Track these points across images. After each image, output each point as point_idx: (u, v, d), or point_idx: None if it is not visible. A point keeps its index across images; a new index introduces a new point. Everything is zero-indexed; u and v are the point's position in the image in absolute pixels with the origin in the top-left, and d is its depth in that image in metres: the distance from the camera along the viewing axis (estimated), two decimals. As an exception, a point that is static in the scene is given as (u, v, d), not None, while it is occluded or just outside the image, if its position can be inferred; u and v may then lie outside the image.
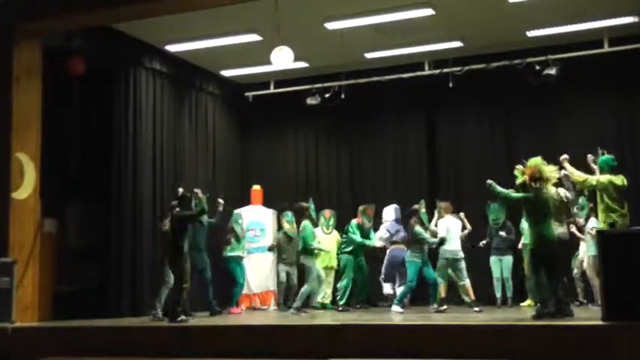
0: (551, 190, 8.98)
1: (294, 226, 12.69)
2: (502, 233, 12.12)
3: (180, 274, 9.95)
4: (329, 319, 10.01)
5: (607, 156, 9.02)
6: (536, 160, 8.85)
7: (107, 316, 11.17)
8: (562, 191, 9.50)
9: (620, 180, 8.73)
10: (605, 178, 8.73)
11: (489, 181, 9.08)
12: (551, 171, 8.80)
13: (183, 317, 9.64)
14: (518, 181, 8.93)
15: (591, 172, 9.35)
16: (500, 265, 12.15)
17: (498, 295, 12.10)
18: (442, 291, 11.50)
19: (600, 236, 7.46)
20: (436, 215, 11.62)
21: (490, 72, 13.07)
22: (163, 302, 10.70)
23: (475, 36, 12.73)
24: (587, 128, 13.07)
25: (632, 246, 7.08)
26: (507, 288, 12.10)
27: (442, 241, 11.13)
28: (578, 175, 9.04)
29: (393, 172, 14.64)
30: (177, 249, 9.98)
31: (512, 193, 9.00)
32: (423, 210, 11.69)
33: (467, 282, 11.26)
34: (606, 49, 12.54)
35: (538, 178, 8.68)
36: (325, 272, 13.23)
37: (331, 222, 13.40)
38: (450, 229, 11.30)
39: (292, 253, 12.47)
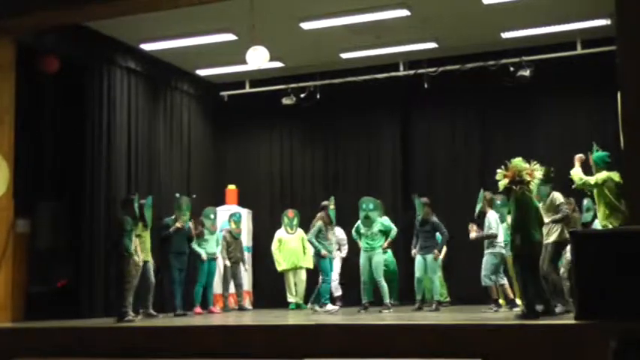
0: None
1: (240, 227, 13.23)
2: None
3: (118, 274, 10.24)
4: (303, 319, 10.02)
5: (602, 152, 8.82)
6: (517, 162, 8.77)
7: (80, 316, 11.10)
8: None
9: (617, 176, 8.48)
10: (603, 174, 8.54)
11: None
12: (532, 172, 8.79)
13: (130, 317, 9.90)
14: (501, 184, 8.86)
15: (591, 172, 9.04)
16: (425, 265, 11.33)
17: (419, 297, 11.40)
18: (509, 292, 11.01)
19: (573, 237, 7.50)
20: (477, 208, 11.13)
21: (464, 73, 13.17)
22: (132, 301, 10.66)
23: (450, 37, 12.79)
24: (560, 129, 13.20)
25: (604, 246, 7.14)
26: (434, 289, 11.40)
27: (492, 237, 10.81)
28: (578, 178, 8.76)
29: (367, 171, 14.66)
30: (115, 250, 10.29)
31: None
32: (332, 207, 11.71)
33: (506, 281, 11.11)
34: (579, 51, 12.69)
35: (520, 180, 8.64)
36: (294, 272, 13.29)
37: (295, 222, 13.55)
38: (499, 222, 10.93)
39: (237, 250, 13.01)
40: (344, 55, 13.54)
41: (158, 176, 13.48)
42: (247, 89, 14.83)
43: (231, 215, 13.31)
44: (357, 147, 14.81)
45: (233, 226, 13.14)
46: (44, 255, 11.94)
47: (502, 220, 12.17)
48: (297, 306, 13.19)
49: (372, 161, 14.68)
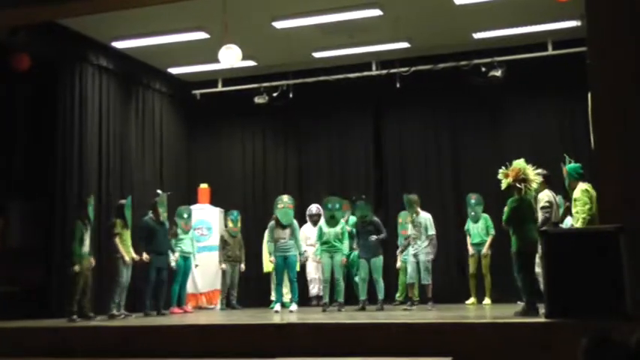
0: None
1: (238, 225, 13.15)
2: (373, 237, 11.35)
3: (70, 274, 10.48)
4: (276, 318, 10.02)
5: (575, 164, 8.91)
6: (519, 163, 8.99)
7: (50, 316, 11.00)
8: None
9: (590, 187, 8.52)
10: (583, 190, 8.51)
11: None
12: (534, 173, 8.96)
13: (74, 317, 10.10)
14: (504, 184, 9.02)
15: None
16: (368, 266, 11.31)
17: (363, 297, 11.35)
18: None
19: (544, 235, 7.58)
20: None
21: (436, 73, 13.25)
22: (117, 301, 10.84)
23: (422, 37, 12.84)
24: (531, 129, 13.32)
25: (574, 245, 7.23)
26: (378, 289, 11.34)
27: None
28: (588, 208, 8.53)
29: (340, 171, 14.67)
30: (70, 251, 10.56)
31: (505, 214, 9.01)
32: (280, 206, 11.59)
33: None
34: (550, 51, 12.81)
35: (522, 179, 8.84)
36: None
37: None
38: None
39: (235, 249, 12.99)
40: (316, 55, 13.54)
41: (130, 175, 13.38)
42: (220, 88, 14.77)
43: (228, 214, 13.28)
44: (330, 146, 14.82)
45: (230, 224, 13.11)
46: (15, 254, 11.82)
47: (475, 219, 12.29)
48: (283, 305, 13.14)
49: (344, 161, 14.69)
